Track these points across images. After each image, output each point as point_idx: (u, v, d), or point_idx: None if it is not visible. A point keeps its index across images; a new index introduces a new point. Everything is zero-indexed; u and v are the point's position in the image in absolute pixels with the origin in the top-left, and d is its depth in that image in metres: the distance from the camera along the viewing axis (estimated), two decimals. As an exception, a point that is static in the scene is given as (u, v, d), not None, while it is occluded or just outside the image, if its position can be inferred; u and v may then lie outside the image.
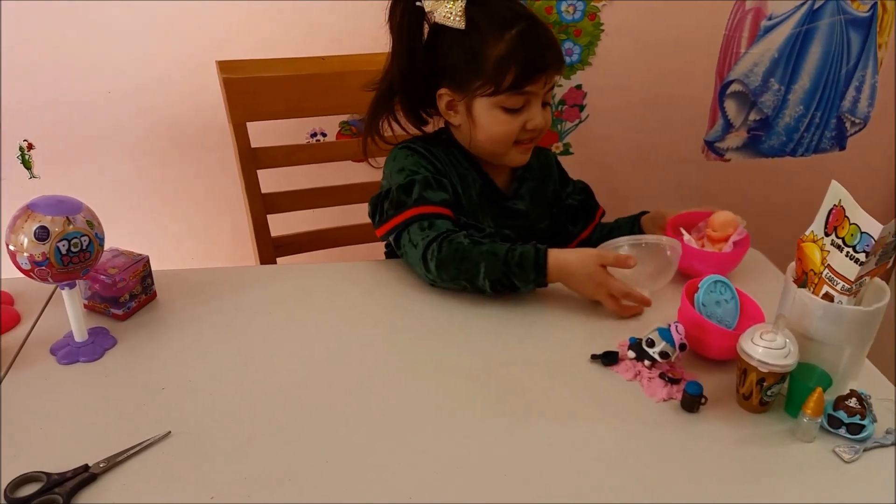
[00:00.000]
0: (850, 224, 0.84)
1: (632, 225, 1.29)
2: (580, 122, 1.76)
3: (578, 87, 1.73)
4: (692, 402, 0.91)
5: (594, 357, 0.99)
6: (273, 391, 0.92)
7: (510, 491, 0.80)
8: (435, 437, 0.86)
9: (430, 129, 1.23)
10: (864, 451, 0.87)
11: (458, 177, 1.18)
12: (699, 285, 1.01)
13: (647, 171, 1.86)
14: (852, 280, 0.85)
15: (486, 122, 1.13)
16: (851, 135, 1.88)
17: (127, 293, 1.02)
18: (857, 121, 1.86)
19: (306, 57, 1.44)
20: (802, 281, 0.92)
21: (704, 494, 0.81)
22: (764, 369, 0.88)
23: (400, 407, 0.91)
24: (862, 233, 0.83)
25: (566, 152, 1.78)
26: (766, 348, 0.88)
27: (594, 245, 1.26)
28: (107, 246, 0.96)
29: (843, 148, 1.90)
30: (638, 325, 1.07)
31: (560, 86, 1.72)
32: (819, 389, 0.86)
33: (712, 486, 0.82)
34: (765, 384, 0.89)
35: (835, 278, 0.87)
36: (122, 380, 0.93)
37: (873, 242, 0.82)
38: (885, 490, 0.83)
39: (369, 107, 1.19)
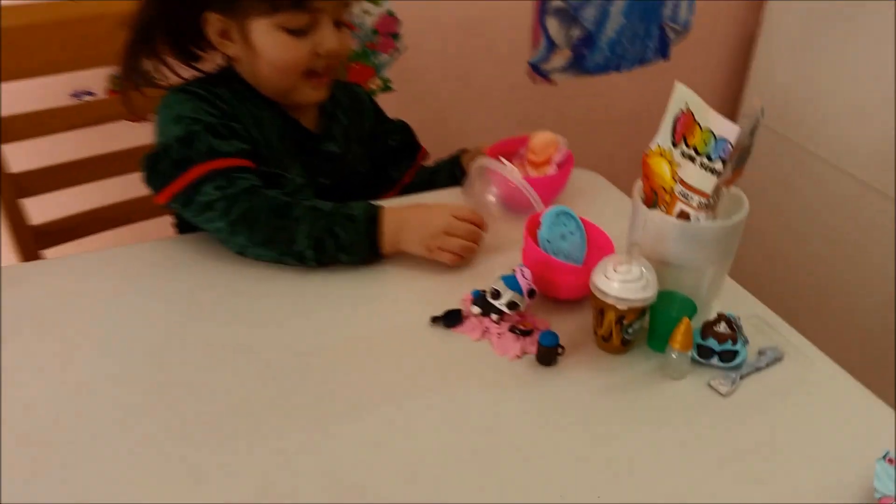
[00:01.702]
0: (702, 130, 0.73)
1: (452, 166, 1.15)
2: (397, 52, 1.58)
3: (390, 13, 1.54)
4: (548, 354, 0.79)
5: (434, 319, 0.84)
6: (52, 407, 0.72)
7: (359, 479, 0.64)
8: (259, 437, 0.69)
9: (210, 68, 1.02)
10: (741, 378, 0.78)
11: (253, 119, 0.97)
12: (541, 220, 0.88)
13: (474, 101, 1.72)
14: (709, 193, 0.74)
15: (268, 48, 0.93)
16: (674, 43, 1.82)
17: None
18: (679, 28, 1.80)
19: (52, 0, 1.16)
20: (653, 201, 0.81)
21: (578, 449, 0.70)
22: (622, 306, 0.76)
23: (207, 402, 0.73)
24: (716, 138, 0.72)
25: (386, 88, 1.60)
26: (621, 282, 0.76)
27: (416, 190, 1.12)
28: None
29: (666, 57, 1.84)
30: (479, 275, 0.93)
31: (370, 14, 1.52)
32: (686, 320, 0.76)
33: (585, 440, 0.71)
34: (625, 322, 0.78)
35: (689, 194, 0.76)
36: None
37: (730, 148, 0.71)
38: (767, 419, 0.74)
39: (123, 50, 0.95)
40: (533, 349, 0.81)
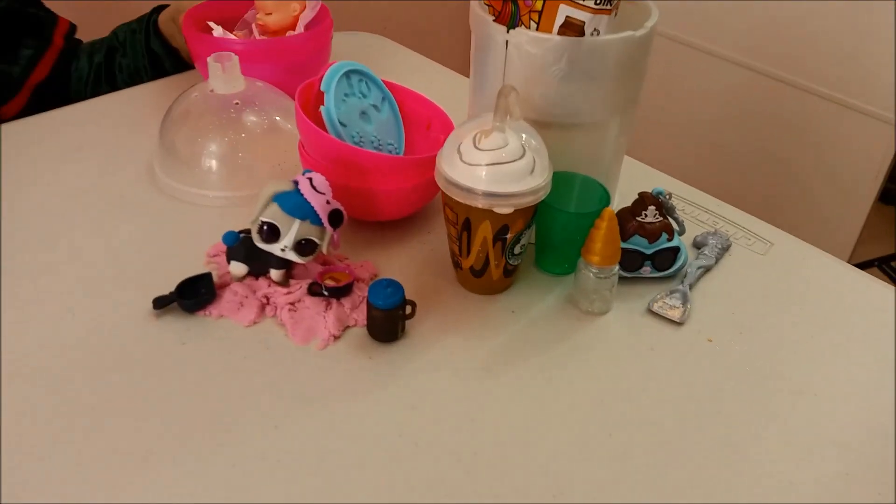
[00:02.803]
0: None
1: (146, 35, 0.72)
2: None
3: None
4: (390, 321, 0.43)
5: (161, 301, 0.45)
6: None
7: None
8: None
9: None
10: (691, 288, 0.49)
11: None
12: (322, 88, 0.50)
13: None
14: (616, -25, 0.42)
15: None
16: None
17: None
18: None
19: None
20: (510, 18, 0.46)
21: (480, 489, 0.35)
22: (504, 209, 0.42)
23: None
24: None
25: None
26: (495, 166, 0.42)
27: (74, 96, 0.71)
28: None
29: None
30: (227, 201, 0.54)
31: None
32: (609, 212, 0.44)
33: (494, 467, 0.37)
34: (509, 237, 0.44)
35: (581, -16, 0.42)
36: None
37: None
38: (754, 340, 0.46)
39: None
40: (360, 318, 0.45)
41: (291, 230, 0.43)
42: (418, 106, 0.56)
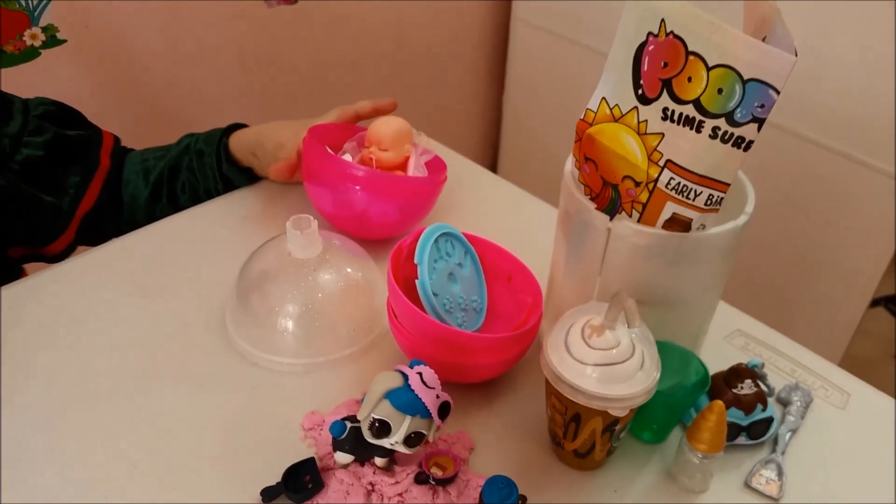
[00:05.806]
0: (709, 69, 0.40)
1: (218, 161, 0.68)
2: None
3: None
4: (501, 515, 0.44)
5: (269, 493, 0.44)
6: None
7: None
8: None
9: None
10: (783, 454, 0.50)
11: None
12: (416, 261, 0.50)
13: (186, 43, 1.19)
14: (730, 182, 0.42)
15: None
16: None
17: None
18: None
19: None
20: (608, 202, 0.46)
21: None
22: (619, 411, 0.43)
23: None
24: (745, 83, 0.39)
25: (54, 42, 1.06)
26: (607, 367, 0.42)
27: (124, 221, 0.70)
28: None
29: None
30: (320, 383, 0.53)
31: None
32: (719, 405, 0.44)
33: None
34: (617, 428, 0.45)
35: (691, 185, 0.42)
36: None
37: (775, 97, 0.39)
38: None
39: None
40: (466, 507, 0.45)
41: (403, 426, 0.43)
42: (498, 258, 0.56)
